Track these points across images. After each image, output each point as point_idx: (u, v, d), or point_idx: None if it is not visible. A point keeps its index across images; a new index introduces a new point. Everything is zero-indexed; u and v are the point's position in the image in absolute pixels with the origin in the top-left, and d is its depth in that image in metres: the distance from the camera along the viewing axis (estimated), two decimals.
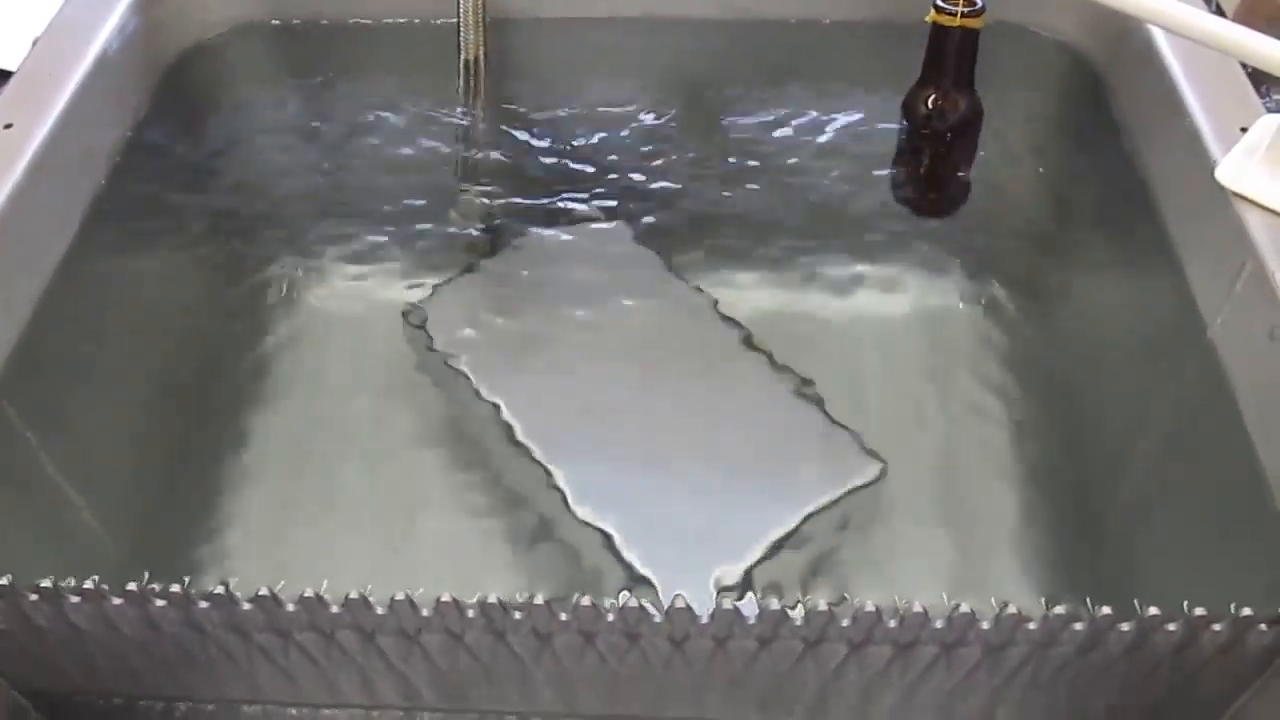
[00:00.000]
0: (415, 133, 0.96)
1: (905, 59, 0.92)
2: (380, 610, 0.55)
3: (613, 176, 0.94)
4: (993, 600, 0.54)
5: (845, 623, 0.55)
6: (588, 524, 0.72)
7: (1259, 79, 0.78)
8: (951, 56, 0.88)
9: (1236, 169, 0.71)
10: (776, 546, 0.71)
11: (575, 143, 0.97)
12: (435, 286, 0.87)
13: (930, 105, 0.90)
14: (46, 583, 0.55)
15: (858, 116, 0.97)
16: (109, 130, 0.85)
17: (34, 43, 0.82)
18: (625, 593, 0.55)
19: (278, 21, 0.98)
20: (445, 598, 0.54)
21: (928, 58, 0.89)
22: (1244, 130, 0.74)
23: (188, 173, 0.93)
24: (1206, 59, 0.79)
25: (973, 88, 0.90)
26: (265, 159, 0.96)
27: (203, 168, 0.94)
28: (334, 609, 0.55)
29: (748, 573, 0.70)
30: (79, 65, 0.81)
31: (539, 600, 0.54)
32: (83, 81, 0.80)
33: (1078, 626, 0.55)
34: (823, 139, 0.96)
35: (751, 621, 0.55)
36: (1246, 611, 0.54)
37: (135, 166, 0.86)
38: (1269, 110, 0.76)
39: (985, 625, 0.55)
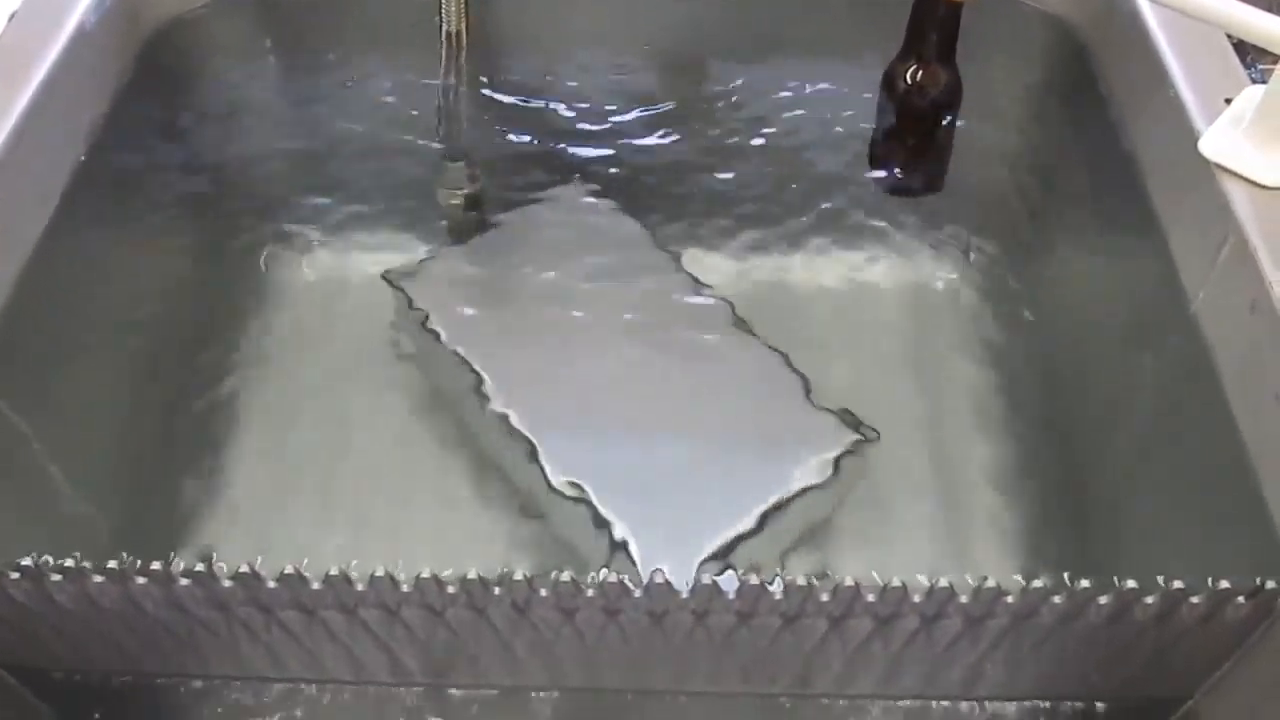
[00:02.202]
0: (397, 105, 0.96)
1: (894, 30, 0.91)
2: (361, 586, 0.55)
3: (597, 148, 0.94)
4: (969, 577, 0.54)
5: (825, 597, 0.55)
6: (569, 498, 0.72)
7: (1244, 50, 0.78)
8: (934, 30, 0.87)
9: (1220, 141, 0.71)
10: (759, 521, 0.71)
11: (558, 115, 0.96)
12: (419, 259, 0.87)
13: (910, 79, 0.90)
14: (28, 561, 0.55)
15: (844, 87, 0.97)
16: (88, 104, 0.84)
17: (10, 17, 0.82)
18: (605, 569, 0.55)
19: None
20: (425, 573, 0.55)
21: (910, 30, 0.88)
22: (1228, 102, 0.74)
23: (169, 146, 0.92)
24: (1192, 30, 0.78)
25: (954, 62, 0.89)
26: (246, 131, 0.95)
27: (184, 140, 0.93)
28: (315, 585, 0.55)
29: (729, 547, 0.70)
30: (56, 39, 0.80)
31: (519, 576, 0.54)
32: (60, 55, 0.79)
33: (1057, 599, 0.55)
34: (809, 110, 0.96)
35: (731, 596, 0.55)
36: (1224, 584, 0.55)
37: (115, 140, 0.85)
38: (1254, 81, 0.75)
39: (964, 598, 0.55)
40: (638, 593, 0.55)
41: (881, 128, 0.94)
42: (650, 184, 0.92)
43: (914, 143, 0.94)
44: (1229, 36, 0.78)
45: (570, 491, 0.72)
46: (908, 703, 0.66)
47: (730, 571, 0.69)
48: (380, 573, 0.55)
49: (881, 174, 0.94)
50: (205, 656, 0.63)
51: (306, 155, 0.95)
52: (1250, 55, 0.78)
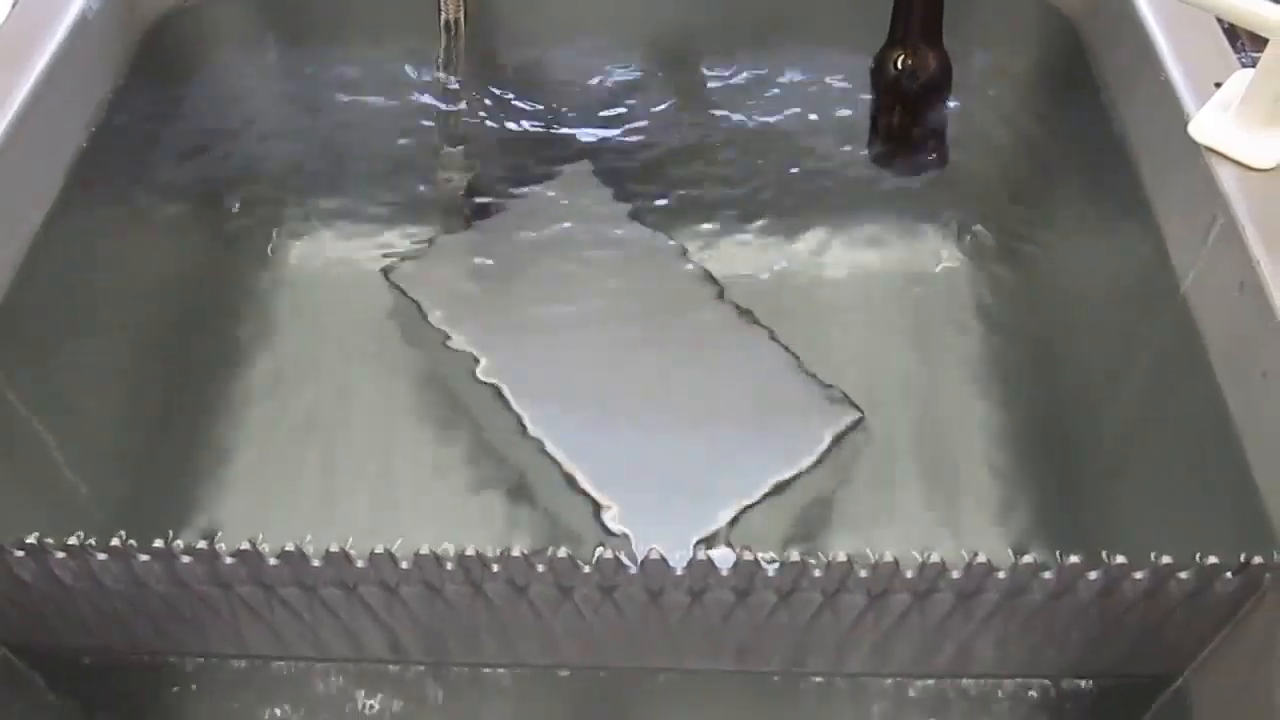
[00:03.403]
0: (396, 94, 0.96)
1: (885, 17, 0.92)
2: (360, 563, 0.56)
3: (594, 136, 0.94)
4: (963, 552, 0.55)
5: (818, 573, 0.56)
6: (565, 481, 0.73)
7: (1234, 34, 0.78)
8: (918, 13, 0.87)
9: (1210, 124, 0.71)
10: (755, 502, 0.72)
11: (557, 102, 0.96)
12: (418, 247, 0.87)
13: (899, 66, 0.90)
14: (32, 539, 0.56)
15: (837, 74, 0.97)
16: (90, 91, 0.85)
17: (13, 4, 0.82)
18: (601, 546, 0.56)
19: None
20: (424, 550, 0.55)
21: (894, 16, 0.88)
22: (1218, 85, 0.74)
23: (169, 134, 0.92)
24: (1183, 14, 0.79)
25: (941, 45, 0.89)
26: (247, 120, 0.96)
27: (184, 129, 0.93)
28: (315, 562, 0.56)
29: (725, 528, 0.71)
30: (58, 26, 0.81)
31: (516, 552, 0.55)
32: (62, 43, 0.80)
33: (1047, 575, 0.56)
34: (803, 97, 0.96)
35: (725, 573, 0.56)
36: (1213, 560, 0.55)
37: (117, 127, 0.86)
38: (1244, 65, 0.76)
39: (956, 574, 0.56)
40: (634, 569, 0.56)
41: (875, 113, 0.95)
42: (648, 170, 0.92)
43: (907, 126, 0.94)
44: (1219, 21, 0.79)
45: (566, 474, 0.73)
46: (900, 680, 0.66)
47: (725, 549, 0.70)
48: (379, 550, 0.55)
49: (877, 158, 0.95)
50: (208, 635, 0.64)
51: (306, 143, 0.95)
52: (1240, 39, 0.78)
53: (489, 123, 0.95)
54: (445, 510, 0.73)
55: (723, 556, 0.56)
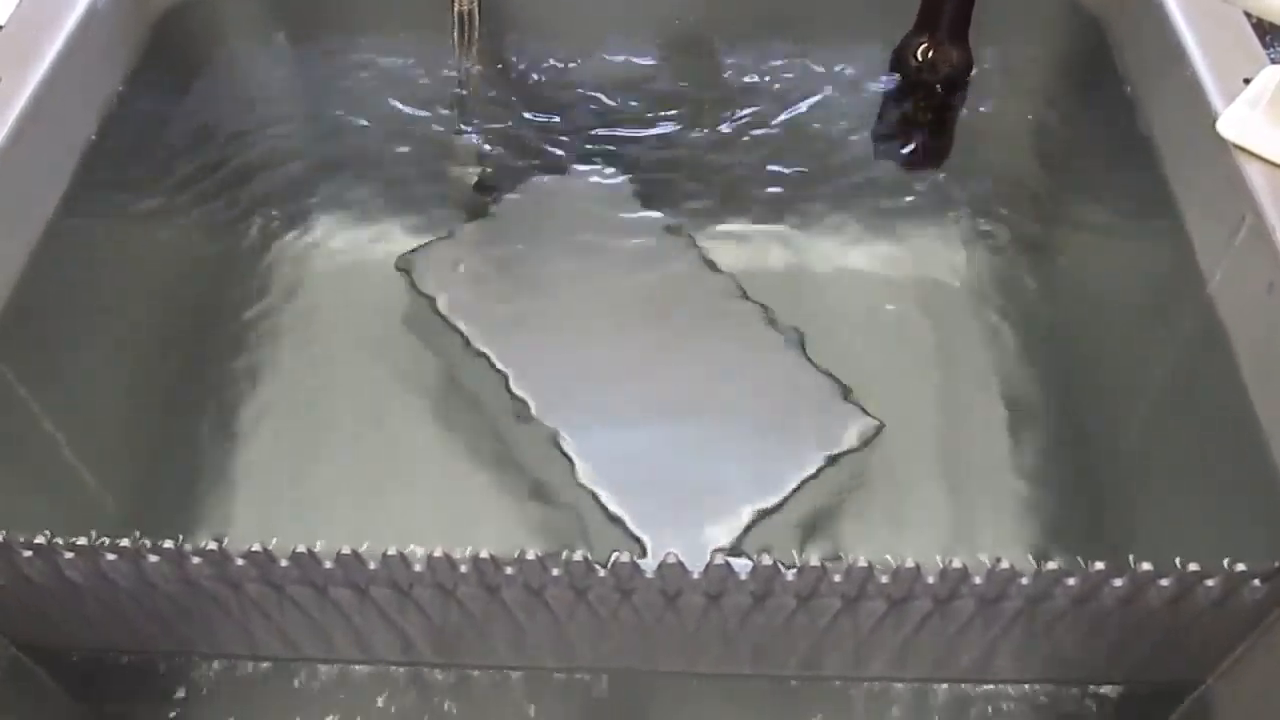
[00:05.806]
0: (409, 85, 0.96)
1: (907, 9, 0.91)
2: (372, 565, 0.55)
3: (608, 127, 0.94)
4: (983, 557, 0.54)
5: (838, 578, 0.55)
6: (581, 484, 0.72)
7: (1263, 29, 0.77)
8: (948, 6, 0.86)
9: (1238, 121, 0.70)
10: (772, 506, 0.71)
11: (570, 94, 0.96)
12: (430, 240, 0.87)
13: (921, 56, 0.88)
14: (41, 538, 0.55)
15: (855, 65, 0.96)
16: (99, 83, 0.85)
17: None
18: (616, 552, 0.55)
19: None
20: (437, 552, 0.55)
21: (923, 6, 0.87)
22: (1247, 81, 0.73)
23: (179, 126, 0.92)
24: (1210, 9, 0.78)
25: (966, 40, 0.88)
26: (257, 112, 0.95)
27: (194, 121, 0.93)
28: (326, 564, 0.55)
29: (743, 532, 0.70)
30: (68, 18, 0.80)
31: (531, 555, 0.54)
32: (72, 35, 0.80)
33: (1070, 581, 0.55)
34: (824, 91, 0.95)
35: (744, 577, 0.55)
36: (1240, 566, 0.54)
37: (126, 120, 0.85)
38: (1273, 61, 0.75)
39: (978, 580, 0.55)
40: (650, 573, 0.55)
41: (891, 105, 0.94)
42: (663, 165, 0.91)
43: (925, 118, 0.93)
44: (1248, 15, 0.77)
45: (582, 476, 0.72)
46: (919, 685, 0.65)
47: (743, 557, 0.69)
48: (392, 551, 0.55)
49: (894, 152, 0.94)
50: (218, 636, 0.64)
51: (318, 135, 0.95)
52: (1269, 35, 0.77)
53: (502, 116, 0.95)
54: (458, 510, 0.72)
55: (740, 564, 0.55)
